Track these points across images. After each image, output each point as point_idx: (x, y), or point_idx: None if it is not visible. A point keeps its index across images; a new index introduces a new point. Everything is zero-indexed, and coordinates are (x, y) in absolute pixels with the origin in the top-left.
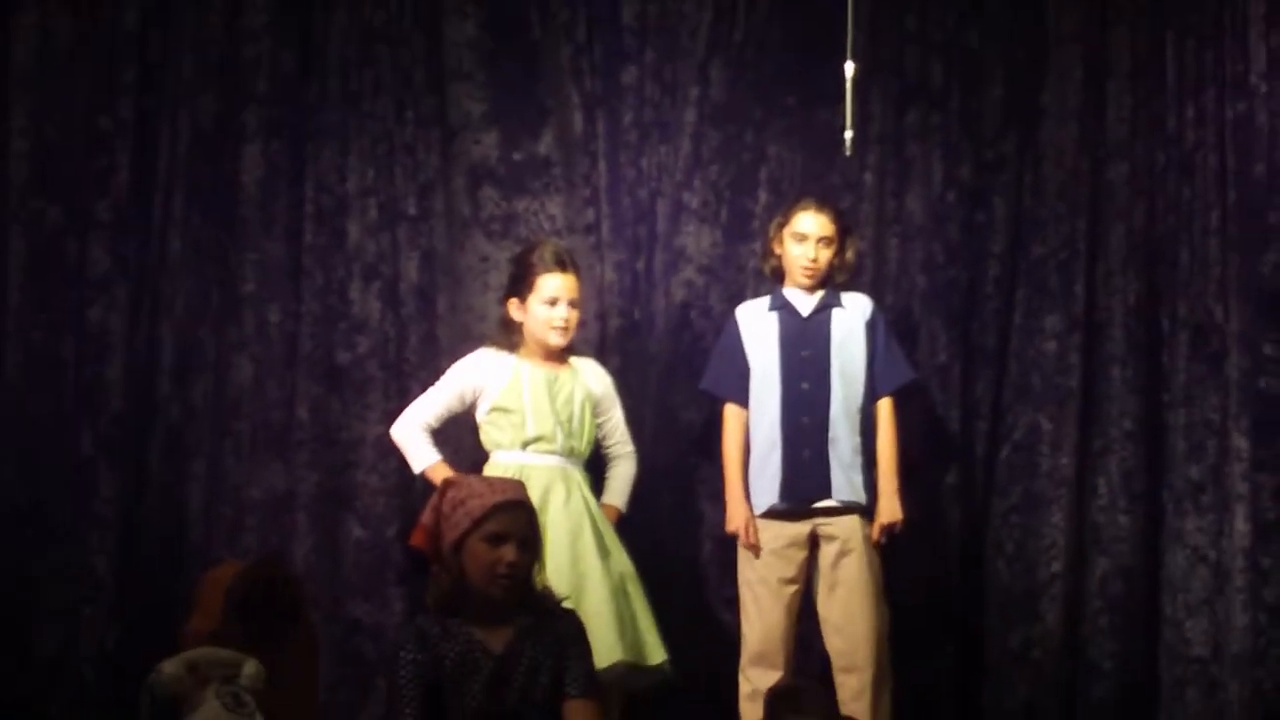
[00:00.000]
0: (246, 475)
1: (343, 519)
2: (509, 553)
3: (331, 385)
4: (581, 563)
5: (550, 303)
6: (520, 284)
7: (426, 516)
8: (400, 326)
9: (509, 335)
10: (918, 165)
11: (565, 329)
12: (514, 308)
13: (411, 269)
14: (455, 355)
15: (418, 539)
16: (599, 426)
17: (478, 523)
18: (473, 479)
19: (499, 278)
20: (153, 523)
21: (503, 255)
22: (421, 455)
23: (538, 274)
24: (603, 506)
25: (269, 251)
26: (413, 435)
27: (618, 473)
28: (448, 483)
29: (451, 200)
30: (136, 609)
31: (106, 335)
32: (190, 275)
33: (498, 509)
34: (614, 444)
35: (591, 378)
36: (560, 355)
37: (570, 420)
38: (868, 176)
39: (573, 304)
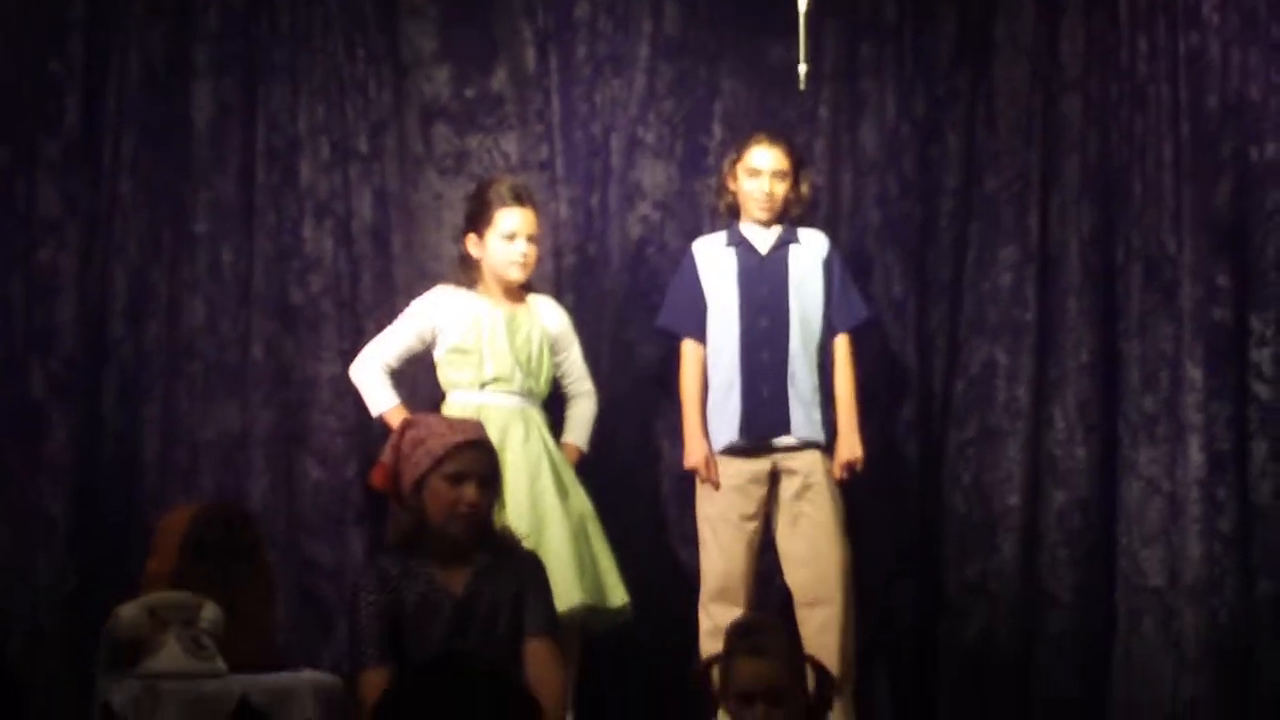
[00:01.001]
0: (201, 416)
1: (299, 458)
2: (469, 492)
3: (285, 324)
4: (540, 504)
5: (509, 237)
6: (478, 219)
7: (386, 455)
8: (353, 265)
9: (467, 272)
10: (871, 100)
11: (524, 264)
12: (472, 243)
13: (364, 207)
14: (411, 294)
15: (377, 478)
16: (557, 365)
17: (438, 462)
18: (432, 418)
19: (453, 215)
20: (107, 466)
21: (456, 193)
22: (380, 398)
23: (495, 209)
24: (562, 446)
25: (221, 190)
26: (372, 377)
27: (577, 411)
28: (407, 422)
29: (404, 138)
30: (92, 553)
31: (57, 277)
32: (142, 215)
33: (458, 448)
34: (572, 382)
35: (549, 316)
36: (518, 293)
37: (529, 360)
38: (822, 111)
39: (531, 239)
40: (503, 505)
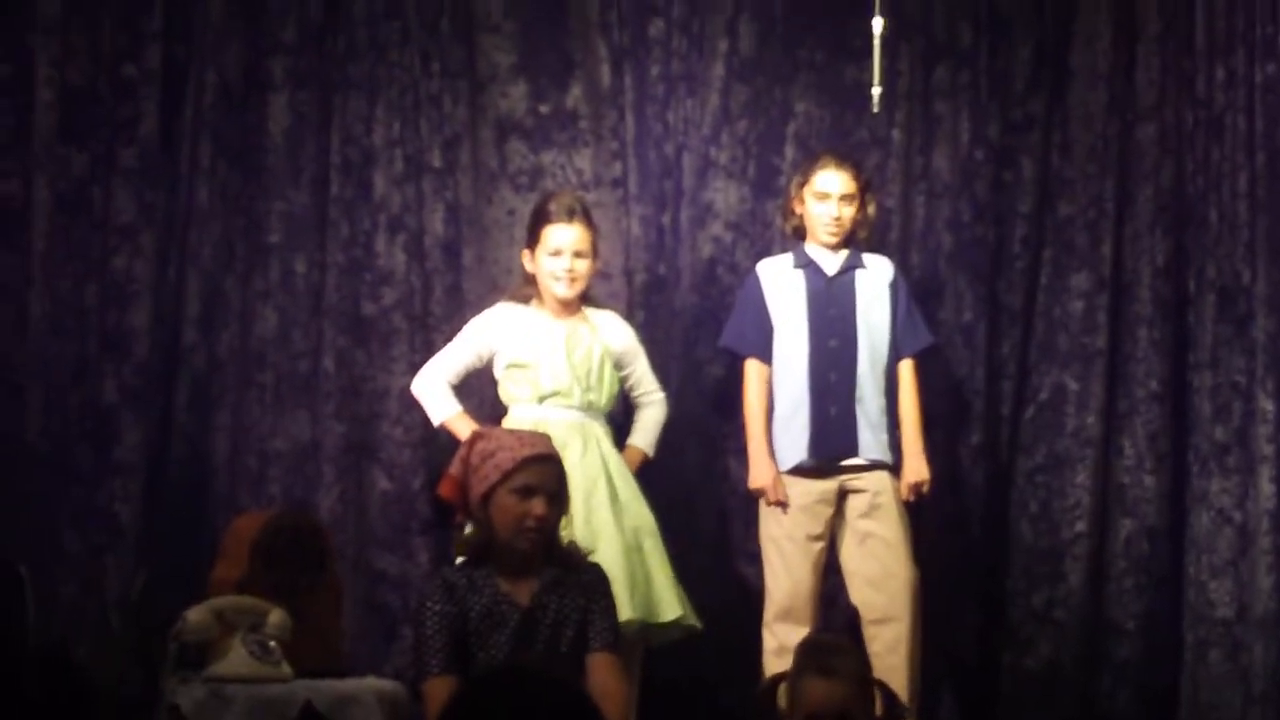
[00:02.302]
0: (271, 426)
1: (368, 470)
2: (537, 506)
3: (357, 337)
4: (594, 519)
5: (554, 253)
6: (531, 235)
7: (454, 468)
8: (425, 279)
9: (525, 288)
10: (945, 123)
11: (570, 280)
12: (527, 259)
13: (436, 221)
14: (481, 308)
15: (445, 490)
16: (624, 379)
17: (507, 475)
18: (501, 431)
19: (525, 232)
20: (177, 471)
21: (529, 208)
22: (441, 408)
23: (544, 224)
24: (628, 449)
25: (295, 202)
26: (432, 389)
27: (645, 416)
28: (476, 435)
29: (478, 153)
30: (161, 557)
31: (132, 283)
32: (216, 224)
33: (527, 462)
34: (642, 393)
35: (610, 330)
36: (577, 308)
37: (588, 374)
38: (895, 134)
39: (579, 255)
40: (569, 519)
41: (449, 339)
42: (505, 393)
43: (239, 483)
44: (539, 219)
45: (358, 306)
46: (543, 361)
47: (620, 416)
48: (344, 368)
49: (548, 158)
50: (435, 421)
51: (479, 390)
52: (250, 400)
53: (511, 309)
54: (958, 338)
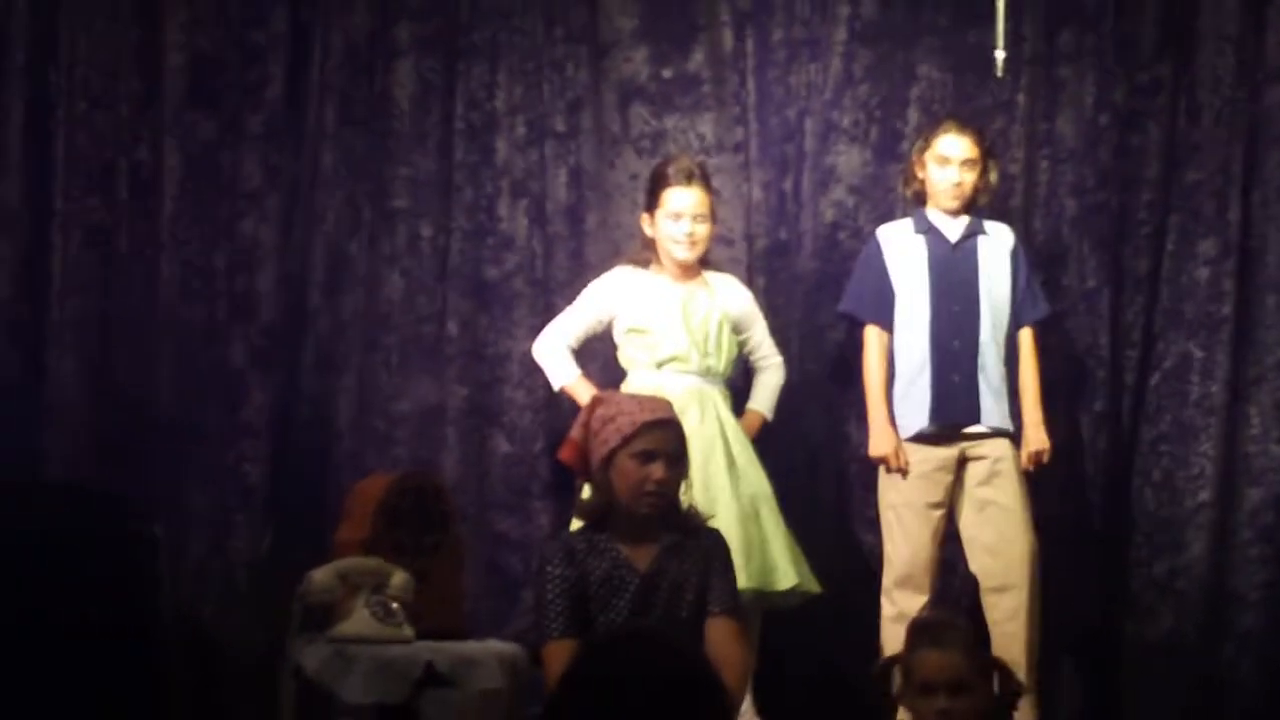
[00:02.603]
0: (396, 389)
1: (490, 433)
2: (657, 470)
3: (480, 301)
4: (712, 485)
5: (675, 217)
6: (651, 198)
7: (575, 431)
8: (547, 244)
9: (644, 251)
10: (1070, 88)
11: (690, 244)
12: (646, 223)
13: (559, 186)
14: (602, 273)
15: (566, 454)
16: (743, 343)
17: (627, 440)
18: (622, 396)
19: (645, 195)
20: (303, 433)
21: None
22: (561, 372)
23: (664, 188)
24: (747, 413)
25: (419, 167)
26: (552, 353)
27: (763, 380)
28: (597, 399)
29: (601, 118)
30: (287, 517)
31: (258, 247)
32: (341, 189)
33: (647, 426)
34: (760, 358)
35: (729, 294)
36: (696, 271)
37: (706, 339)
38: (1019, 98)
39: (698, 218)
40: (689, 484)
41: (570, 303)
42: (624, 357)
43: (364, 445)
44: (658, 182)
45: (480, 271)
46: (661, 326)
47: (739, 381)
48: (467, 332)
49: (670, 122)
50: (555, 386)
51: (600, 354)
52: (375, 364)
53: (630, 273)
54: (1081, 305)
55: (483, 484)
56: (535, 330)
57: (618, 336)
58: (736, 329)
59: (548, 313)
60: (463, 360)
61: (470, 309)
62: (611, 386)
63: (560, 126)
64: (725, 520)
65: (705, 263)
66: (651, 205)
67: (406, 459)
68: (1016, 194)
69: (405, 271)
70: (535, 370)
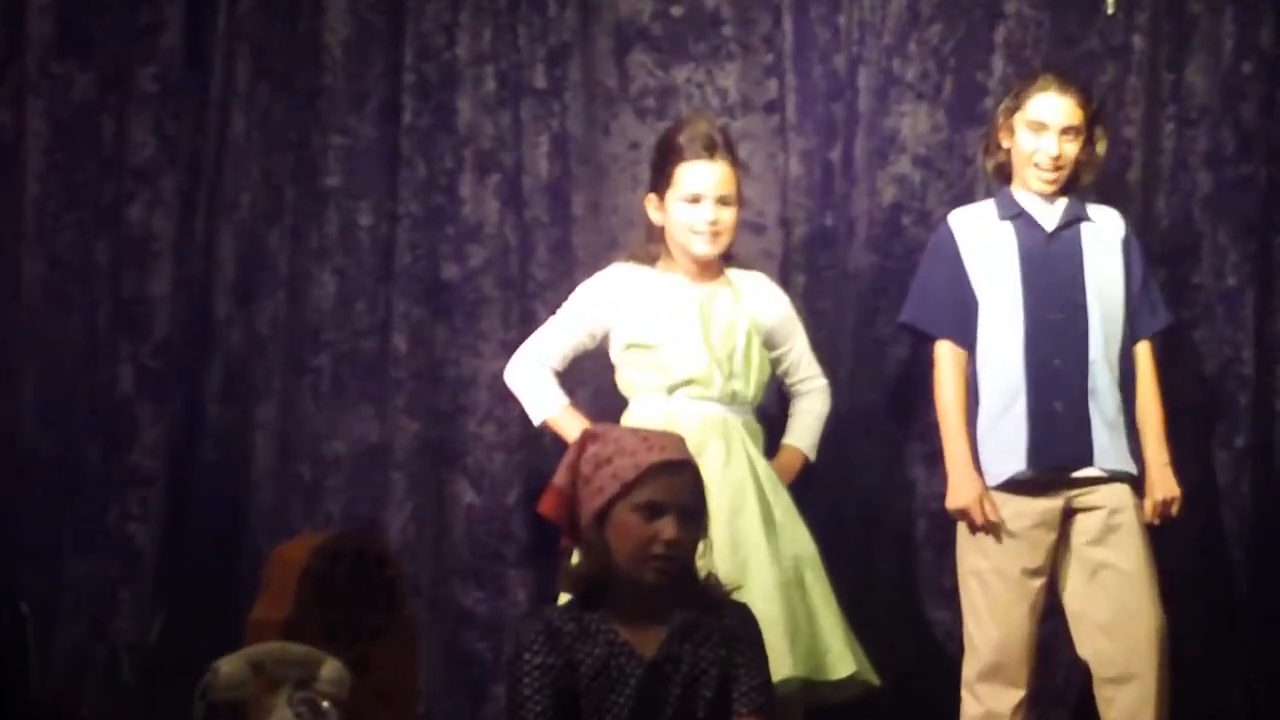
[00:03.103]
0: (328, 423)
1: (450, 480)
2: (668, 528)
3: (437, 308)
4: (743, 545)
5: (691, 199)
6: (659, 175)
7: (560, 477)
8: (524, 233)
9: (649, 244)
10: (1203, 27)
11: (712, 234)
12: (652, 206)
13: (539, 159)
14: (595, 270)
15: (548, 506)
16: (776, 362)
17: (629, 488)
18: (622, 431)
19: (650, 171)
20: (207, 481)
21: (657, 141)
22: (543, 401)
23: (676, 162)
24: (783, 451)
25: (357, 135)
26: (532, 377)
27: (803, 408)
28: (588, 435)
29: (591, 69)
30: (187, 591)
31: (151, 240)
32: (257, 164)
33: (655, 470)
34: (799, 380)
35: (760, 298)
36: (716, 269)
37: (731, 356)
38: (1136, 42)
39: (722, 201)
40: (709, 545)
41: (554, 311)
42: (625, 381)
43: (286, 496)
44: (669, 155)
45: (438, 269)
46: (673, 340)
47: (773, 409)
48: (420, 348)
49: (681, 75)
50: (536, 418)
51: (595, 377)
52: (301, 390)
53: (632, 272)
54: (1218, 308)
55: (441, 546)
56: (509, 346)
57: (615, 354)
58: (769, 343)
59: (525, 323)
60: (414, 385)
61: (424, 318)
62: (608, 419)
63: (540, 81)
64: (761, 590)
65: (729, 257)
66: (660, 184)
67: (341, 515)
68: (1133, 167)
69: (339, 270)
70: (509, 398)
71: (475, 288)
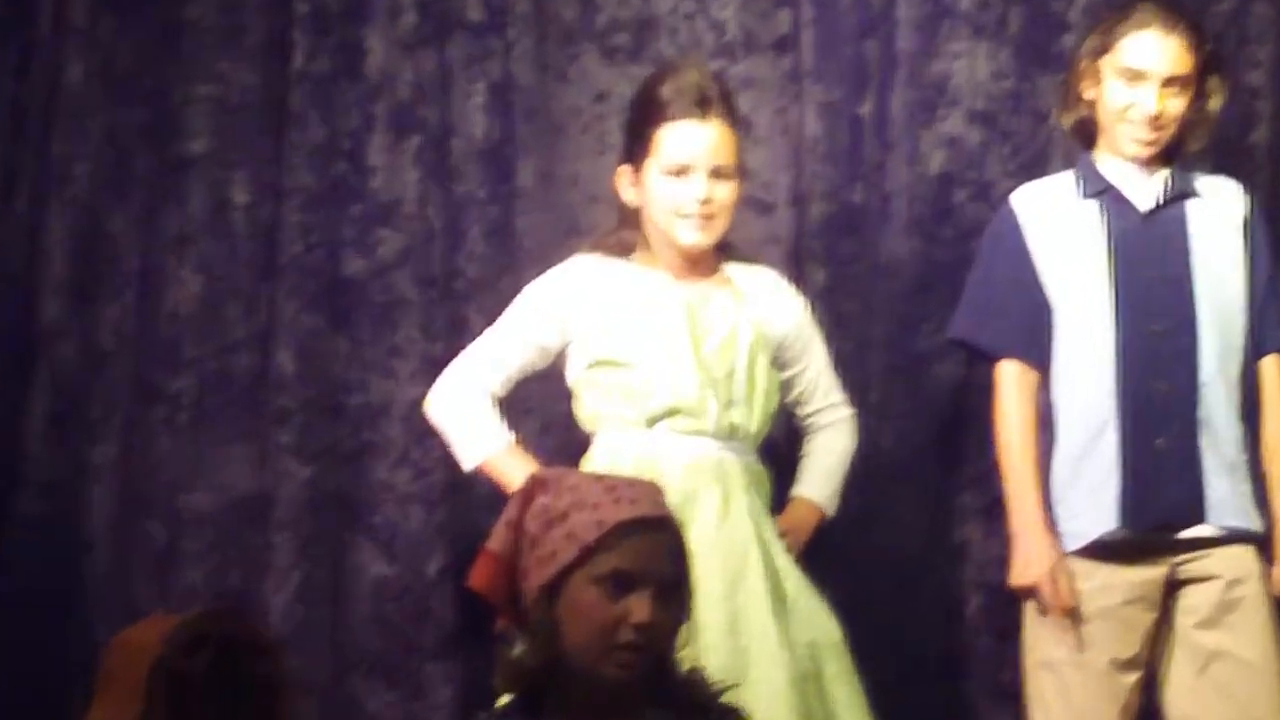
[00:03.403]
0: (189, 466)
1: (352, 543)
2: (639, 607)
3: (335, 314)
4: (746, 628)
5: (678, 172)
6: (635, 141)
7: (498, 540)
8: (454, 213)
9: (621, 231)
10: None
11: (705, 217)
12: (626, 181)
13: (475, 115)
14: (549, 262)
15: (481, 578)
16: (788, 385)
17: (588, 553)
18: (581, 477)
19: (623, 135)
20: (29, 545)
21: (632, 90)
22: (478, 436)
23: (659, 123)
24: (795, 504)
25: (232, 84)
26: (464, 406)
27: (822, 447)
28: (537, 482)
29: None
30: (4, 690)
31: None
32: (99, 123)
33: (624, 530)
34: (816, 410)
35: (768, 301)
36: (710, 262)
37: (730, 377)
38: None
39: (719, 174)
40: (695, 629)
41: (493, 318)
42: (588, 411)
43: (131, 563)
44: (648, 114)
45: (336, 262)
46: (653, 356)
47: (780, 445)
48: (313, 367)
49: (664, 3)
50: (468, 461)
51: (544, 406)
52: (153, 422)
53: (599, 267)
54: None
55: (339, 631)
56: (432, 364)
57: (576, 375)
58: (780, 361)
59: (453, 334)
60: (305, 417)
61: (318, 327)
62: (566, 460)
63: (474, 12)
64: (768, 688)
65: (727, 247)
66: (636, 152)
67: (205, 588)
68: (1259, 125)
69: (205, 264)
70: (431, 433)
71: (387, 286)
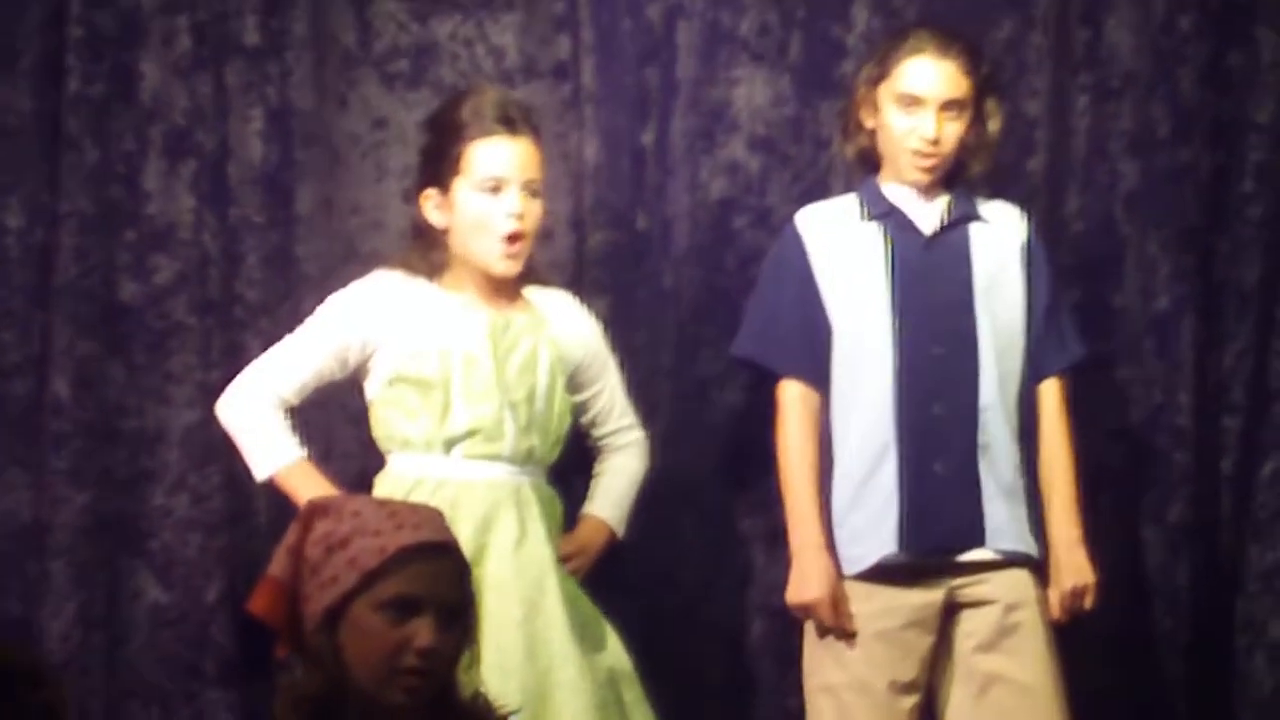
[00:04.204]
0: None
1: (130, 570)
2: (423, 631)
3: (111, 339)
4: (544, 650)
5: (490, 188)
6: (440, 162)
7: (278, 565)
8: (230, 238)
9: (425, 251)
10: None
11: (518, 237)
12: (431, 204)
13: (250, 137)
14: (329, 288)
15: (261, 603)
16: (583, 406)
17: (370, 578)
18: (362, 502)
19: (404, 154)
20: None
21: (413, 116)
22: (270, 448)
23: (467, 140)
24: (585, 522)
25: (6, 106)
26: (257, 414)
27: (614, 467)
28: (317, 508)
29: (322, 20)
30: None
31: None
32: None
33: (406, 555)
34: (610, 431)
35: (566, 323)
36: (511, 286)
37: (530, 400)
38: None
39: (530, 189)
40: (477, 652)
41: (271, 343)
42: (385, 429)
43: None
44: (452, 134)
45: (113, 287)
46: (456, 376)
47: (570, 469)
48: (88, 394)
49: (444, 28)
50: (259, 471)
51: (326, 426)
52: None
53: (401, 283)
54: (1147, 340)
55: (116, 659)
56: (208, 390)
57: (374, 390)
58: (575, 384)
59: (229, 359)
60: (80, 443)
61: (93, 353)
62: (357, 483)
63: (252, 36)
64: (571, 712)
65: (527, 271)
66: (443, 172)
67: None
68: (1036, 153)
69: None
70: (210, 456)
71: (163, 313)
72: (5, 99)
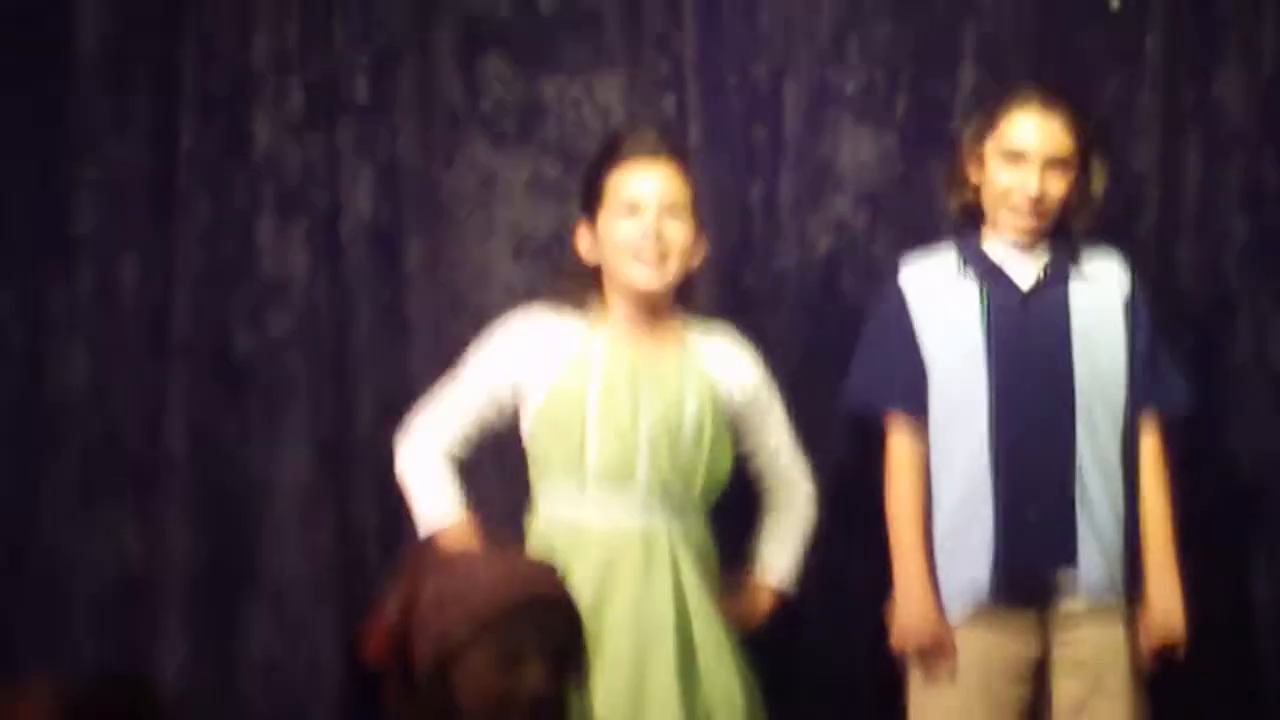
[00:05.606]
0: (77, 540)
1: (244, 616)
2: (533, 679)
3: (226, 393)
4: (647, 694)
5: (629, 211)
6: (588, 196)
7: (391, 611)
8: (342, 293)
9: (574, 285)
10: (1236, 28)
11: (661, 255)
12: (582, 237)
13: (361, 196)
14: (438, 342)
15: (374, 647)
16: (751, 454)
17: (483, 630)
18: (473, 556)
19: (510, 211)
20: None
21: (520, 173)
22: (433, 504)
23: (610, 170)
24: (749, 592)
25: (117, 161)
26: (425, 469)
27: (781, 522)
28: (430, 563)
29: (430, 79)
30: None
31: None
32: None
33: (518, 611)
34: (776, 484)
35: (724, 366)
36: (667, 317)
37: (672, 435)
38: (1149, 44)
39: (672, 212)
40: (588, 702)
41: (379, 396)
42: (534, 468)
43: (24, 639)
44: (601, 165)
45: (228, 341)
46: (591, 411)
47: (732, 506)
48: (203, 447)
49: (551, 86)
50: (423, 529)
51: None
52: (41, 498)
53: (547, 319)
54: (1262, 387)
55: (230, 701)
56: (321, 445)
57: (526, 428)
58: (737, 429)
59: (344, 413)
60: (196, 493)
61: (208, 405)
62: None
63: (361, 94)
64: None
65: (685, 302)
66: (592, 205)
67: (95, 660)
68: (1147, 207)
69: (91, 343)
70: (321, 514)
71: (277, 365)
72: (121, 156)
